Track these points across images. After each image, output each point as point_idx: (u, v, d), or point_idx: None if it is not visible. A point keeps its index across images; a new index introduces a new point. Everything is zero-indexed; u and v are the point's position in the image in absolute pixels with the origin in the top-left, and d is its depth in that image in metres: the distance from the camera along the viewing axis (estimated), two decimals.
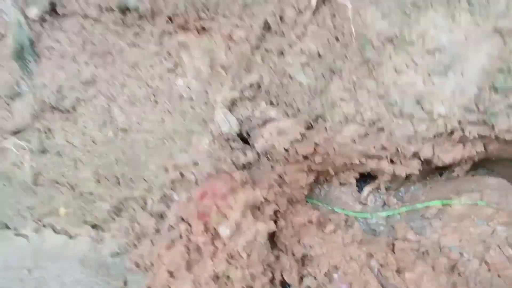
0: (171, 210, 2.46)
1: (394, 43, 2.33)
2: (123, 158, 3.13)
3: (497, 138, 2.38)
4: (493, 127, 2.22)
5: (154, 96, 3.04)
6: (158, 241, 2.46)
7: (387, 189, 3.22)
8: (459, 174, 3.00)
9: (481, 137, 2.41)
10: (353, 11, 2.38)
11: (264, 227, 2.28)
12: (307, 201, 3.22)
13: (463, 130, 2.32)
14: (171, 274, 2.35)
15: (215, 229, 2.31)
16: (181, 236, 2.37)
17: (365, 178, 3.27)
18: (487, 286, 2.43)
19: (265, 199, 2.38)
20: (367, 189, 3.11)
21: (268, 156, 2.87)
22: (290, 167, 2.92)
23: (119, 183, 3.12)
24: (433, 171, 3.23)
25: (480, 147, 2.46)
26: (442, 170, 3.17)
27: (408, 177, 3.31)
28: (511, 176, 3.00)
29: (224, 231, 2.24)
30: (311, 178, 3.03)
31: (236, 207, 2.26)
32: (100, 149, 3.13)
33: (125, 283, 3.03)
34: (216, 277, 2.31)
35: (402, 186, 3.24)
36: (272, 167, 2.91)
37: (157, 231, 2.58)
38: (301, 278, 2.52)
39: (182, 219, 2.38)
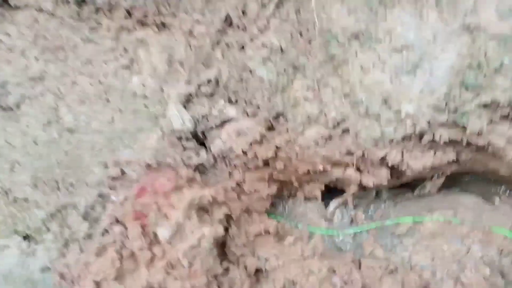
0: (106, 211, 2.13)
1: (360, 40, 2.20)
2: (65, 160, 2.82)
3: (469, 144, 2.21)
4: (464, 129, 2.05)
5: (106, 94, 2.80)
6: (88, 248, 2.11)
7: (355, 206, 2.98)
8: (431, 190, 2.80)
9: (453, 143, 2.24)
10: (317, 6, 2.26)
11: (211, 231, 1.98)
12: (268, 217, 2.94)
13: (433, 134, 2.14)
14: (97, 285, 2.00)
15: (154, 232, 1.99)
16: (114, 241, 2.03)
17: (332, 193, 3.04)
18: None
19: (215, 201, 2.10)
20: (333, 203, 2.86)
21: (226, 161, 2.62)
22: (250, 175, 2.67)
23: (58, 188, 2.78)
24: (404, 188, 3.03)
25: (452, 155, 2.28)
26: (414, 187, 2.97)
27: (377, 193, 3.10)
28: (484, 196, 2.83)
29: (163, 233, 1.93)
30: (273, 188, 2.77)
31: (179, 206, 1.97)
32: (41, 150, 2.83)
33: None
34: None
35: (371, 204, 3.01)
36: (230, 173, 2.65)
37: (89, 236, 2.23)
38: None
39: (117, 221, 2.06)
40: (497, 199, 2.72)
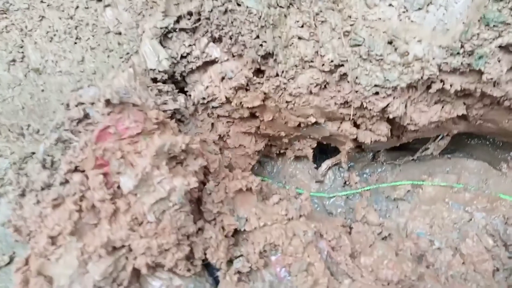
0: (65, 157, 1.85)
1: None
2: (31, 104, 2.54)
3: (482, 96, 1.93)
4: (479, 75, 1.76)
5: (77, 30, 2.48)
6: (45, 199, 1.85)
7: (349, 168, 2.73)
8: (434, 152, 2.53)
9: (464, 95, 1.96)
10: None
11: (183, 183, 1.71)
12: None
13: (443, 82, 1.86)
14: (53, 240, 1.75)
15: (117, 182, 1.73)
16: (73, 192, 1.77)
17: (325, 155, 2.78)
18: (461, 282, 1.94)
19: (190, 150, 1.82)
20: (326, 163, 2.61)
21: (208, 110, 2.33)
22: (235, 128, 2.39)
23: (23, 135, 2.52)
24: (403, 151, 2.77)
25: (461, 109, 2.00)
26: (414, 151, 2.71)
27: (374, 156, 2.85)
28: (491, 162, 2.58)
29: (126, 183, 1.66)
30: (261, 144, 2.50)
31: (147, 153, 1.69)
32: (4, 92, 2.54)
33: (11, 258, 2.39)
34: (112, 248, 1.72)
35: (367, 166, 2.76)
36: (212, 125, 2.38)
37: (48, 186, 1.97)
38: (230, 261, 1.95)
39: (76, 169, 1.79)
40: (504, 166, 2.47)
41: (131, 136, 1.74)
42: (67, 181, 1.86)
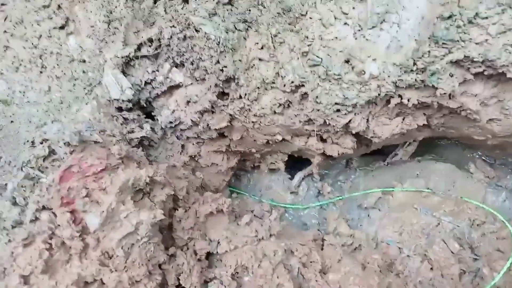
0: (32, 196, 1.87)
1: None
2: (1, 136, 2.53)
3: (440, 107, 1.97)
4: (434, 90, 1.81)
5: (41, 59, 2.47)
6: (16, 238, 1.86)
7: (322, 177, 2.77)
8: (403, 158, 2.59)
9: (423, 107, 2.00)
10: None
11: (149, 216, 1.74)
12: (231, 192, 2.73)
13: (400, 96, 1.90)
14: (25, 279, 1.77)
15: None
16: (43, 230, 1.79)
17: (301, 163, 2.82)
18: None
19: (155, 181, 1.84)
20: (298, 175, 2.65)
21: (177, 133, 2.35)
22: (205, 148, 2.42)
23: None
24: (376, 156, 2.82)
25: (421, 120, 2.05)
26: (387, 154, 2.76)
27: (348, 162, 2.90)
28: (459, 162, 2.64)
29: (92, 221, 1.69)
30: (233, 161, 2.53)
31: (111, 190, 1.71)
32: None
33: None
34: (84, 283, 1.75)
35: (340, 174, 2.80)
36: (183, 146, 2.40)
37: (19, 223, 1.98)
38: (205, 282, 1.99)
39: (44, 207, 1.81)
40: (472, 166, 2.53)
41: (95, 173, 1.76)
42: (37, 219, 1.88)
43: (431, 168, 2.54)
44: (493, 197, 2.29)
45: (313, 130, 2.13)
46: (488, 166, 2.51)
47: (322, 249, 2.10)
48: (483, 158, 2.60)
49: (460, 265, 2.03)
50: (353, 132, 2.05)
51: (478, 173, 2.44)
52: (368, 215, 2.39)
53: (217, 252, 1.97)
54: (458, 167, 2.53)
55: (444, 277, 2.00)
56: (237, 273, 1.89)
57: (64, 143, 1.67)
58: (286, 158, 2.53)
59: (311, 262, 1.94)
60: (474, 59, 1.68)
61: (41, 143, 1.96)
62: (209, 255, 2.02)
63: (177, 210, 1.99)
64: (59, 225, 1.77)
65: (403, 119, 2.06)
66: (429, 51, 1.72)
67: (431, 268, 2.04)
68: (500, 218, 2.08)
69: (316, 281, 1.85)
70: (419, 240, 2.15)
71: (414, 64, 1.77)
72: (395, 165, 2.69)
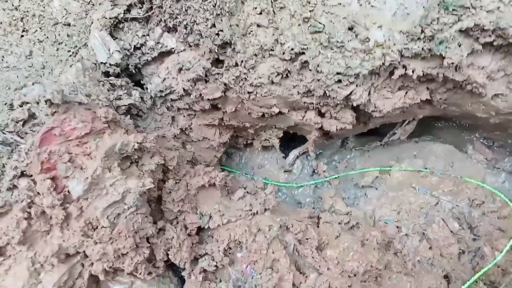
0: (10, 162, 1.73)
1: None
2: None
3: (445, 81, 1.89)
4: (441, 60, 1.72)
5: (23, 22, 2.30)
6: None
7: (317, 157, 2.69)
8: (401, 137, 2.52)
9: (427, 80, 1.92)
10: None
11: (138, 184, 1.62)
12: (222, 170, 2.62)
13: (405, 67, 1.81)
14: (0, 251, 1.64)
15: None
16: (21, 198, 1.65)
17: (295, 142, 2.72)
18: (427, 267, 1.95)
19: (144, 148, 1.72)
20: (293, 153, 2.56)
21: (167, 103, 2.22)
22: (197, 120, 2.30)
23: None
24: (372, 136, 2.75)
25: (425, 95, 1.97)
26: (383, 135, 2.69)
27: (343, 142, 2.81)
28: (457, 144, 2.59)
29: (76, 188, 1.56)
30: (226, 136, 2.42)
31: (97, 154, 1.58)
32: None
33: None
34: (65, 255, 1.63)
35: (336, 153, 2.72)
36: (173, 118, 2.27)
37: None
38: (195, 259, 1.89)
39: (23, 173, 1.67)
40: (470, 147, 2.48)
41: (79, 137, 1.63)
42: (15, 187, 1.74)
43: (429, 148, 2.47)
44: (492, 178, 2.24)
45: (312, 103, 2.03)
46: (487, 148, 2.46)
47: (317, 226, 2.02)
48: (481, 140, 2.54)
49: (459, 245, 1.98)
50: (354, 104, 1.96)
51: (476, 154, 2.39)
52: (365, 194, 2.32)
53: (208, 226, 1.87)
54: (456, 148, 2.47)
55: (443, 257, 1.95)
56: (230, 248, 1.79)
57: (46, 102, 1.52)
58: (282, 135, 2.43)
59: (307, 238, 1.86)
60: (485, 28, 1.60)
61: (21, 106, 1.81)
62: (200, 230, 1.92)
63: (167, 182, 1.87)
64: (38, 193, 1.64)
65: (406, 93, 1.98)
66: (438, 18, 1.64)
67: (430, 248, 1.98)
68: (502, 197, 2.02)
69: (313, 257, 1.77)
70: (418, 219, 2.09)
71: (422, 31, 1.68)
72: (391, 146, 2.63)
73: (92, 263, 1.66)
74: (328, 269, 1.73)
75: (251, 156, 2.71)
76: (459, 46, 1.67)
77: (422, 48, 1.71)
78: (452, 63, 1.70)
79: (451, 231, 2.01)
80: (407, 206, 2.16)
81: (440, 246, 1.98)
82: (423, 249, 1.97)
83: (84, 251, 1.64)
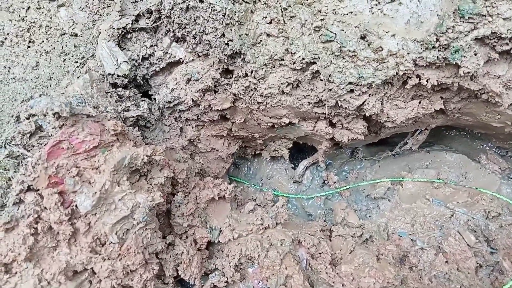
0: (16, 176, 1.69)
1: None
2: None
3: (459, 90, 1.85)
4: (456, 69, 1.68)
5: (29, 33, 2.29)
6: None
7: (327, 166, 2.64)
8: (412, 147, 2.47)
9: (441, 90, 1.88)
10: None
11: (146, 198, 1.58)
12: (230, 180, 2.57)
13: (419, 77, 1.77)
14: (6, 268, 1.59)
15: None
16: (27, 213, 1.61)
17: (303, 153, 2.68)
18: (444, 282, 1.89)
19: (153, 161, 1.68)
20: (303, 163, 2.50)
21: (175, 114, 2.18)
22: (205, 131, 2.26)
23: None
24: (382, 146, 2.70)
25: (438, 104, 1.93)
26: (393, 145, 2.64)
27: (353, 152, 2.77)
28: (469, 154, 2.53)
29: (84, 203, 1.51)
30: (234, 147, 2.38)
31: (105, 168, 1.54)
32: None
33: None
34: (73, 272, 1.58)
35: (346, 164, 2.67)
36: (181, 129, 2.23)
37: (1, 206, 1.79)
38: (205, 274, 1.84)
39: (30, 188, 1.63)
40: (483, 157, 2.43)
41: (87, 151, 1.59)
42: (21, 201, 1.70)
43: (441, 158, 2.42)
44: (508, 189, 2.18)
45: (323, 113, 1.99)
46: (500, 157, 2.41)
47: (330, 240, 1.96)
48: (494, 149, 2.49)
49: (477, 258, 1.92)
50: (367, 114, 1.91)
51: (490, 164, 2.34)
52: (378, 206, 2.26)
53: (218, 241, 1.81)
54: (469, 158, 2.42)
55: (461, 271, 1.88)
56: (241, 263, 1.73)
57: (53, 115, 1.49)
58: (291, 145, 2.39)
59: (320, 253, 1.80)
60: (502, 36, 1.56)
61: (27, 118, 1.78)
62: (209, 244, 1.86)
63: (176, 195, 1.82)
64: (45, 208, 1.60)
65: (419, 103, 1.94)
66: (453, 26, 1.60)
67: (446, 262, 1.92)
68: None
69: (327, 273, 1.71)
70: (433, 232, 2.03)
71: (437, 40, 1.64)
72: (402, 156, 2.57)
73: (100, 280, 1.60)
74: (343, 285, 1.68)
75: (259, 167, 2.66)
76: (475, 54, 1.64)
77: (437, 57, 1.67)
78: (468, 72, 1.66)
79: (468, 244, 1.95)
80: (421, 218, 2.10)
81: (456, 260, 1.92)
82: (439, 263, 1.91)
83: (92, 268, 1.59)
